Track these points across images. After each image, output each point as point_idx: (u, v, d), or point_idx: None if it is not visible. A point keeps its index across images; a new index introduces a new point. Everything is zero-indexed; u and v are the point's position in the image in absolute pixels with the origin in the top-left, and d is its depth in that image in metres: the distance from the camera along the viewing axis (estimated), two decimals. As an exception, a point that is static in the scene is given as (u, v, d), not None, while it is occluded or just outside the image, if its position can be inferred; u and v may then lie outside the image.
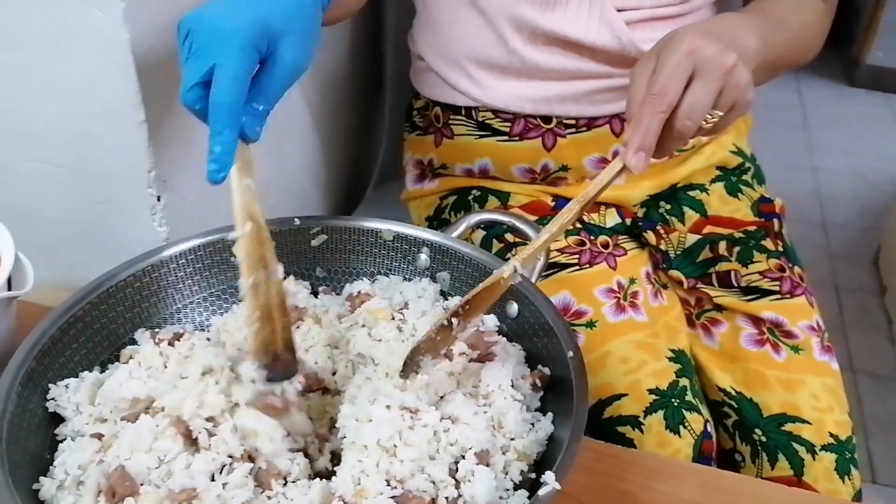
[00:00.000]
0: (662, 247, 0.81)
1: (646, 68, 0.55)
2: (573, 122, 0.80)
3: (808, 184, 2.43)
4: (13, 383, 0.48)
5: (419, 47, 0.85)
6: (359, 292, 0.62)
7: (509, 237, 0.78)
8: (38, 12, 0.61)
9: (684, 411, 0.69)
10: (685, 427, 0.68)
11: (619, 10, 0.74)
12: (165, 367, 0.53)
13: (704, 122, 0.55)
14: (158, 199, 0.70)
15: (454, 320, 0.52)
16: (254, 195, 0.50)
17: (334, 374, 0.56)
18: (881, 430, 1.62)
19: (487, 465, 0.49)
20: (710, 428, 0.70)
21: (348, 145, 1.13)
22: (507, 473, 0.50)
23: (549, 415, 0.54)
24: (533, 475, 0.50)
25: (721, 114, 0.55)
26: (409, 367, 0.52)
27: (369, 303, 0.61)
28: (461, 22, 0.78)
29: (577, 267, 0.76)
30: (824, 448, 0.69)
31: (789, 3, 0.71)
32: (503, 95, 0.80)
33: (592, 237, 0.79)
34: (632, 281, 0.77)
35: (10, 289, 0.58)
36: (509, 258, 0.55)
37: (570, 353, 0.54)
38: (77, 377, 0.53)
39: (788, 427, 0.70)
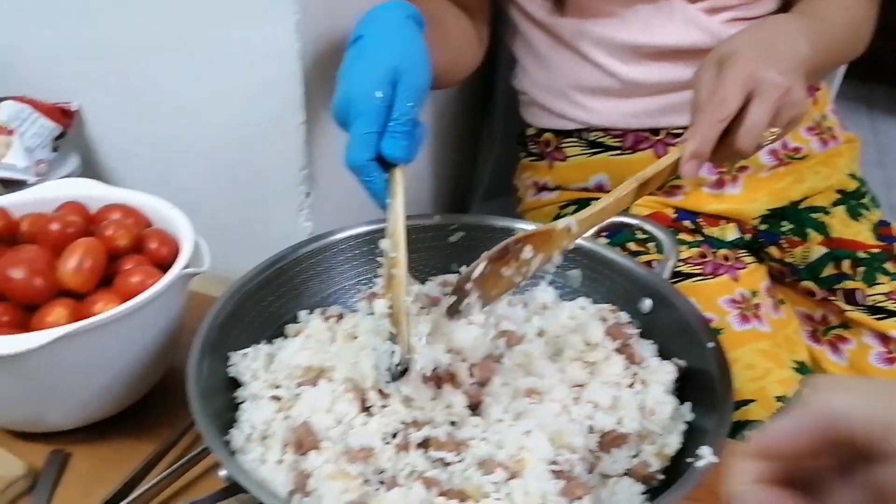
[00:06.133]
0: (787, 260, 0.83)
1: (708, 76, 0.58)
2: (681, 131, 0.83)
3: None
4: (204, 347, 0.53)
5: (523, 86, 0.91)
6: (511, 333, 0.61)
7: (632, 246, 0.81)
8: (215, 23, 0.68)
9: (811, 417, 0.69)
10: (812, 432, 0.68)
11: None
12: (333, 340, 0.58)
13: (763, 140, 0.58)
14: (307, 196, 0.75)
15: (509, 255, 0.53)
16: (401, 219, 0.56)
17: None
18: None
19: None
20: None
21: (453, 163, 1.18)
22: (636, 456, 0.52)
23: (688, 403, 0.56)
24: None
25: (779, 131, 0.58)
26: (455, 305, 0.53)
27: (524, 346, 0.59)
28: (557, 58, 0.84)
29: (701, 277, 0.78)
30: None
31: (836, 1, 0.73)
32: (608, 115, 0.84)
33: (713, 250, 0.82)
34: (753, 293, 0.78)
35: (184, 269, 0.63)
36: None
37: (711, 344, 0.56)
38: (249, 348, 0.58)
39: None
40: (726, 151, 0.57)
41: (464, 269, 0.67)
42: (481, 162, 1.22)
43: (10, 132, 0.72)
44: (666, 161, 0.57)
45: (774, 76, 0.56)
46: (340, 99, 0.57)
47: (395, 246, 0.55)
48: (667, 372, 0.56)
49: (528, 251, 0.54)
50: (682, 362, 0.59)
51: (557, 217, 0.91)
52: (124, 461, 0.58)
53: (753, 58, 0.57)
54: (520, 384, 0.54)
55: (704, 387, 0.56)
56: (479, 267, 0.52)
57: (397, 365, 0.51)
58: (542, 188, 0.94)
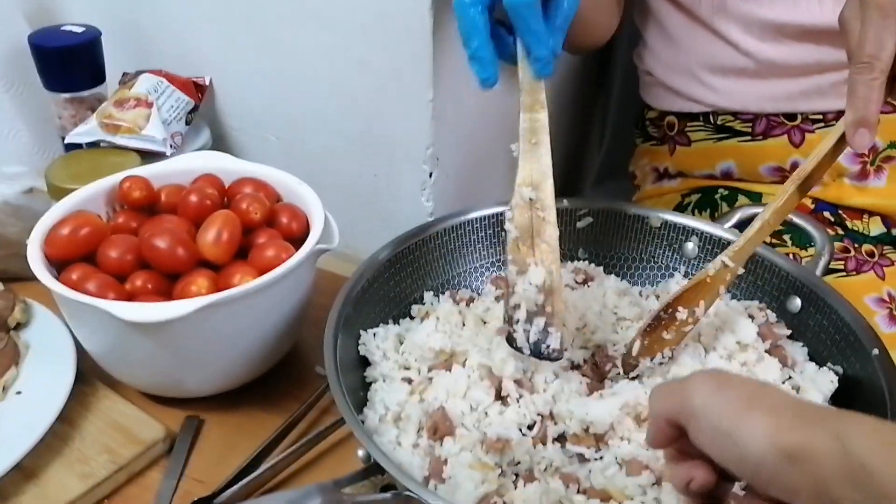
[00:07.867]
0: None
1: (852, 16, 0.48)
2: (820, 116, 0.77)
3: None
4: (338, 322, 0.53)
5: (647, 64, 0.86)
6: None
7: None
8: (355, -4, 0.67)
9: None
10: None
11: None
12: (463, 324, 0.56)
13: None
14: (430, 175, 0.74)
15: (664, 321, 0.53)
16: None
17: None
18: None
19: None
20: None
21: (565, 146, 1.15)
22: None
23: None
24: None
25: None
26: (626, 368, 0.54)
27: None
28: (688, 36, 0.79)
29: (844, 273, 0.73)
30: None
31: None
32: (741, 97, 0.79)
33: (856, 245, 0.76)
34: (901, 292, 0.72)
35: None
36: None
37: (876, 351, 0.52)
38: (377, 327, 0.58)
39: None
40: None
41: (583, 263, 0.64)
42: (593, 145, 1.18)
43: (150, 104, 0.74)
44: (825, 147, 0.49)
45: None
46: None
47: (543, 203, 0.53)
48: (828, 381, 0.52)
49: (682, 312, 0.53)
50: (839, 368, 0.55)
51: (679, 206, 0.87)
52: (253, 430, 0.59)
53: None
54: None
55: (866, 398, 0.52)
56: (636, 346, 0.53)
57: (555, 350, 0.50)
58: (663, 175, 0.89)
